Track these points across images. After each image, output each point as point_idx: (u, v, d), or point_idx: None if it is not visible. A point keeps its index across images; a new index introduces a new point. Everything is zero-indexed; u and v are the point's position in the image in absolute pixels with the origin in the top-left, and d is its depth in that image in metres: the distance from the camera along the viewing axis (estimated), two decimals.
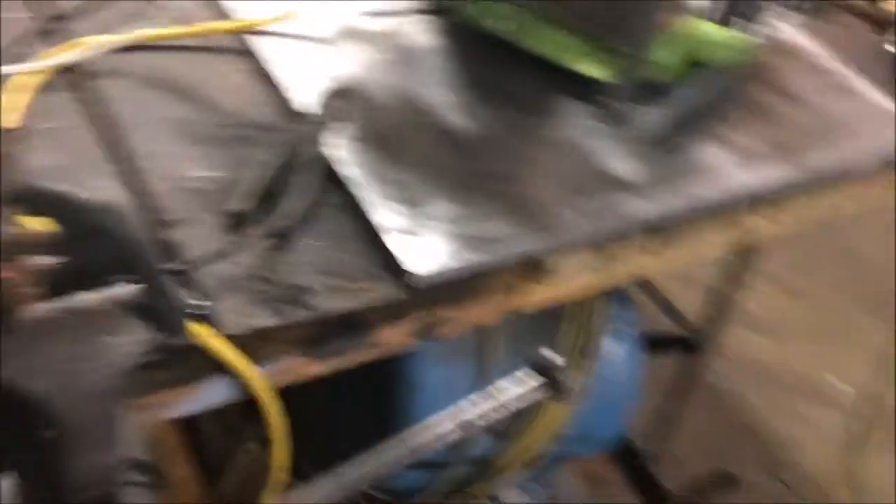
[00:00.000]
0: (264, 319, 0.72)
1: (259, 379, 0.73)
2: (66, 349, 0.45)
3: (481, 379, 1.20)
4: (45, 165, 0.79)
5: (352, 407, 1.23)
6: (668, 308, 1.86)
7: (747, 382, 2.13)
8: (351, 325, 0.78)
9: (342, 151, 0.88)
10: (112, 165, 0.82)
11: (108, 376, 0.45)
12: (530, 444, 1.28)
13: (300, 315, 0.74)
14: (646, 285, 1.87)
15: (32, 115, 0.84)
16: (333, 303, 0.76)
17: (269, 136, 0.88)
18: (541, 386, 1.12)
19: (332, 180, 0.86)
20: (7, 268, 0.43)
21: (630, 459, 1.85)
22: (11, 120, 0.82)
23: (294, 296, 0.75)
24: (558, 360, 1.13)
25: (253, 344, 0.72)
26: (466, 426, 1.08)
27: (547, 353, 1.13)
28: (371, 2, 1.10)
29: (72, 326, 0.46)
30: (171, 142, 0.87)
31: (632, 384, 1.37)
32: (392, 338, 0.81)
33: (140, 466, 0.58)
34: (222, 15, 1.03)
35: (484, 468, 1.30)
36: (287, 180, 0.83)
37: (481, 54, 1.06)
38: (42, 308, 0.45)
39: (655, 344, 1.50)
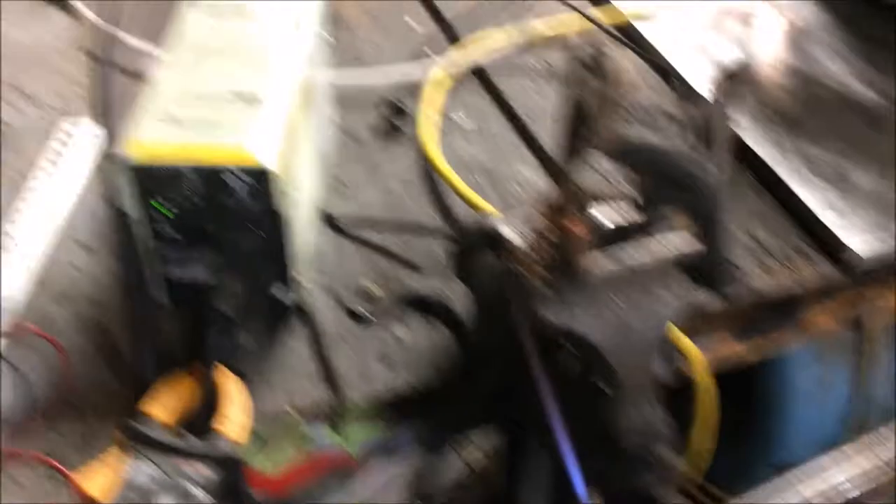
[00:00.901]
0: (708, 299, 0.71)
1: (700, 360, 0.72)
2: (623, 304, 0.47)
3: (857, 381, 1.11)
4: (474, 154, 0.85)
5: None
6: None
7: None
8: (783, 306, 0.75)
9: (746, 131, 0.85)
10: (529, 153, 0.86)
11: (655, 331, 0.46)
12: None
13: (740, 295, 0.72)
14: None
15: (450, 107, 0.90)
16: (767, 283, 0.73)
17: (673, 121, 0.87)
18: None
19: (740, 160, 0.83)
20: (576, 223, 0.45)
21: None
22: (432, 112, 0.88)
23: (729, 274, 0.73)
24: None
25: (692, 324, 0.72)
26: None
27: None
28: None
29: (629, 282, 0.47)
30: None
31: None
32: (821, 322, 0.77)
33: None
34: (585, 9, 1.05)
35: None
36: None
37: (877, 23, 0.99)
38: (606, 264, 0.47)
39: None
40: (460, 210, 0.79)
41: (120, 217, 0.62)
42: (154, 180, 0.60)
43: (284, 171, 0.60)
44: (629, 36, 1.00)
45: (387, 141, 0.87)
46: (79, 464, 0.55)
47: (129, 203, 0.61)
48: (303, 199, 0.69)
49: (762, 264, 0.75)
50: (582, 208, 0.46)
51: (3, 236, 0.75)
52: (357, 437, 0.65)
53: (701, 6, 1.03)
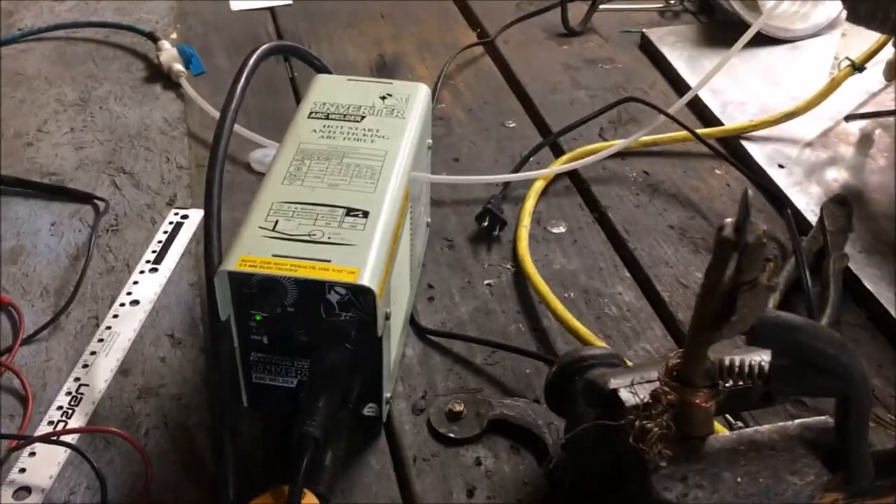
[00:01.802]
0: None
1: None
2: (744, 480, 0.43)
3: None
4: (570, 269, 0.82)
5: None
6: None
7: None
8: None
9: (860, 266, 0.81)
10: (628, 274, 0.83)
11: None
12: None
13: None
14: None
15: (547, 217, 0.89)
16: (880, 438, 0.68)
17: (783, 251, 0.83)
18: None
19: (853, 297, 0.79)
20: (703, 397, 0.42)
21: None
22: (528, 221, 0.86)
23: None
24: None
25: None
26: None
27: None
28: (851, 104, 1.03)
29: (752, 458, 0.44)
30: (673, 248, 0.86)
31: None
32: None
33: None
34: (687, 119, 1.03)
35: None
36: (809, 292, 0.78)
37: None
38: (725, 436, 0.44)
39: None
40: (554, 327, 0.76)
41: (213, 317, 0.61)
42: (252, 288, 0.59)
43: (384, 288, 0.59)
44: (736, 155, 0.97)
45: (480, 247, 0.85)
46: None
47: (224, 306, 0.60)
48: (397, 312, 0.67)
49: (874, 416, 0.69)
50: (712, 383, 0.43)
51: (101, 328, 0.75)
52: None
53: (806, 124, 1.00)
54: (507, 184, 0.91)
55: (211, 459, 0.64)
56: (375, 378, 0.63)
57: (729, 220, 0.39)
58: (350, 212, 0.62)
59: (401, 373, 0.72)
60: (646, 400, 0.44)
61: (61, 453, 0.64)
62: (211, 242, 0.63)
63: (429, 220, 0.84)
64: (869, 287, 0.78)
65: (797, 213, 0.88)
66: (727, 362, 0.44)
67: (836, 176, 0.93)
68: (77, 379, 0.70)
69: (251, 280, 0.59)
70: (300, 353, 0.62)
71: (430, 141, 0.78)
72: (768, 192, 0.91)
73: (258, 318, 0.61)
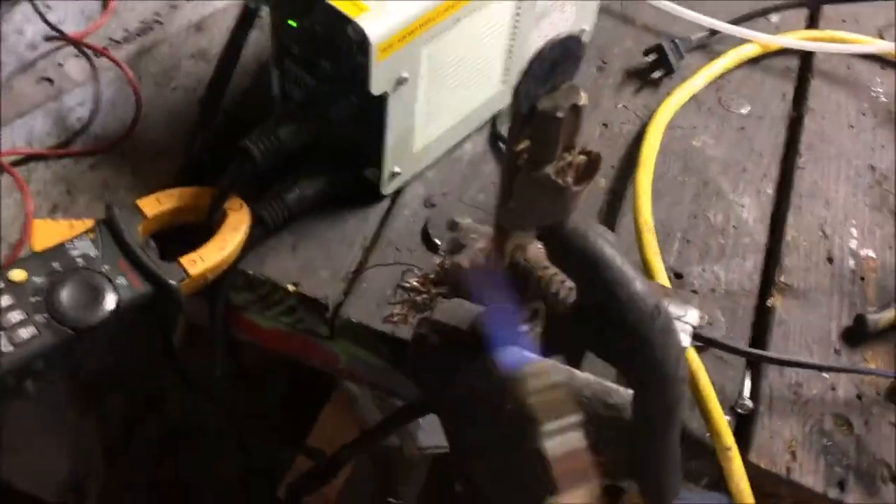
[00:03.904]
0: None
1: None
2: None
3: None
4: (707, 151, 0.68)
5: None
6: None
7: None
8: None
9: None
10: (770, 186, 0.67)
11: None
12: None
13: None
14: None
15: (732, 88, 0.72)
16: None
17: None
18: None
19: None
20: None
21: None
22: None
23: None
24: None
25: None
26: None
27: None
28: None
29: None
30: (851, 193, 0.67)
31: None
32: None
33: None
34: None
35: None
36: None
37: None
38: None
39: None
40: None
41: None
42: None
43: (394, 44, 0.51)
44: None
45: (629, 83, 0.72)
46: None
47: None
48: (450, 91, 0.60)
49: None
50: None
51: None
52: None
53: None
54: (712, 32, 0.75)
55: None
56: (374, 141, 0.57)
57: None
58: None
59: (437, 161, 0.64)
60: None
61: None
62: None
63: (587, 27, 0.72)
64: None
65: None
66: (537, 268, 0.33)
67: None
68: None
69: None
70: (318, 75, 0.57)
71: None
72: None
73: (293, 24, 0.57)
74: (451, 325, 0.37)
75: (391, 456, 1.09)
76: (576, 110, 0.27)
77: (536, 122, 0.26)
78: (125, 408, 0.91)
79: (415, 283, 0.44)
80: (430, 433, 1.11)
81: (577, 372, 0.36)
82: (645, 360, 0.31)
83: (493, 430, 0.35)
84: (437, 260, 0.46)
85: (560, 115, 0.26)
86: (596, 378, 0.38)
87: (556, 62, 0.27)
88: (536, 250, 0.32)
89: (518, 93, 0.26)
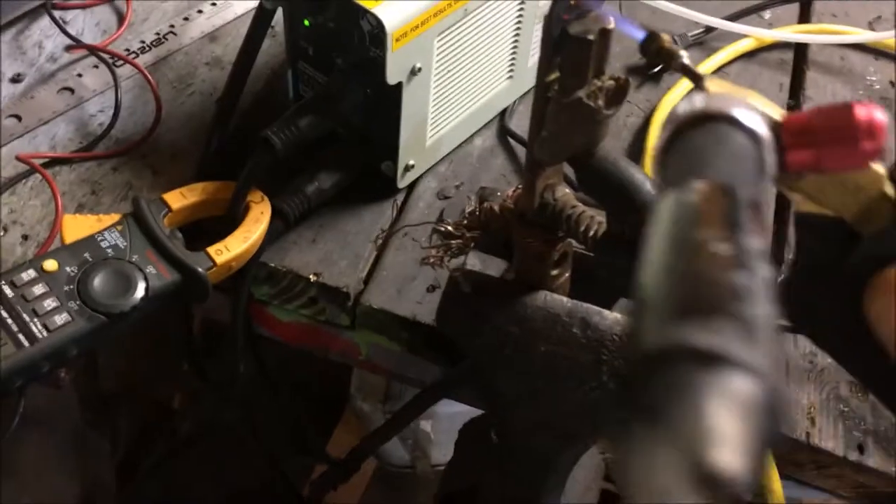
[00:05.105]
0: None
1: None
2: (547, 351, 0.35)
3: None
4: None
5: None
6: None
7: None
8: None
9: None
10: None
11: None
12: None
13: None
14: None
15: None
16: None
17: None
18: None
19: None
20: (528, 232, 0.33)
21: None
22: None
23: None
24: None
25: None
26: None
27: None
28: None
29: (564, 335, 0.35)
30: None
31: None
32: None
33: None
34: None
35: None
36: None
37: None
38: (557, 298, 0.35)
39: None
40: None
41: None
42: None
43: (408, 34, 0.53)
44: None
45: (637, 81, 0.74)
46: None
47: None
48: (461, 84, 0.61)
49: None
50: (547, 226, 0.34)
51: None
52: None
53: None
54: (709, 29, 0.77)
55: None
56: (390, 134, 0.59)
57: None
58: None
59: (449, 156, 0.66)
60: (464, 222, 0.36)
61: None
62: None
63: None
64: None
65: None
66: (566, 207, 0.34)
67: None
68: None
69: None
70: (331, 73, 0.59)
71: None
72: None
73: (306, 23, 0.59)
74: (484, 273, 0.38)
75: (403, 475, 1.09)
76: (605, 34, 0.28)
77: (568, 46, 0.28)
78: (138, 420, 0.91)
79: (449, 228, 0.45)
80: (443, 449, 1.11)
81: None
82: None
83: (528, 376, 0.36)
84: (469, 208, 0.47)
85: (591, 37, 0.27)
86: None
87: None
88: (564, 192, 0.34)
89: (550, 17, 0.28)
